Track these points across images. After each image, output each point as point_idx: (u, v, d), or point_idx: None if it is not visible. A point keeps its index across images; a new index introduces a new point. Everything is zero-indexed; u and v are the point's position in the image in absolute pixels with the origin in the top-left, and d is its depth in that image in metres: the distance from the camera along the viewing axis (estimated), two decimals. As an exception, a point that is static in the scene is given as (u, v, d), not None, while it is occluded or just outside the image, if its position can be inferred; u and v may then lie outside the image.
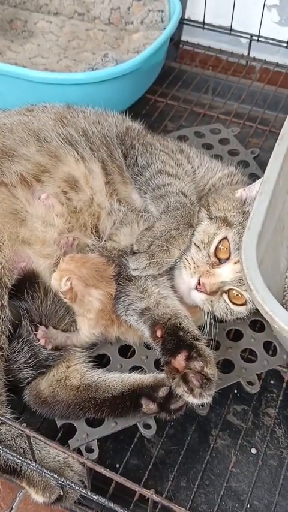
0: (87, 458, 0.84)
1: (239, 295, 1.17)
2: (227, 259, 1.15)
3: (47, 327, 1.12)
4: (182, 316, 1.09)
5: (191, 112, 1.92)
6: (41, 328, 1.11)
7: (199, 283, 1.14)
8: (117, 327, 1.18)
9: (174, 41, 2.18)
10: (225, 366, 1.20)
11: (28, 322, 1.11)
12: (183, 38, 2.25)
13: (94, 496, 0.91)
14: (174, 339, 1.05)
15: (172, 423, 1.16)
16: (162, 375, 1.10)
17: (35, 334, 1.10)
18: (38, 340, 1.10)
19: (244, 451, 1.16)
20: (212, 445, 1.15)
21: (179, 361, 1.02)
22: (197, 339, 1.05)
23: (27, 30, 2.06)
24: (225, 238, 1.16)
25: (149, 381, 1.10)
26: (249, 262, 0.99)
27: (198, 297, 1.16)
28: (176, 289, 1.18)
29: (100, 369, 1.17)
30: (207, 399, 1.01)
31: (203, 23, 2.16)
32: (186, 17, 2.20)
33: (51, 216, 1.22)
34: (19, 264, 1.18)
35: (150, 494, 0.78)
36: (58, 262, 1.16)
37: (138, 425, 1.10)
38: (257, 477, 1.10)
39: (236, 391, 1.22)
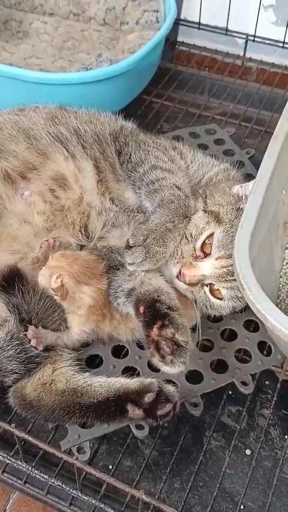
0: (77, 459, 0.83)
1: (218, 290, 1.18)
2: (209, 254, 1.17)
3: (36, 327, 1.11)
4: (162, 291, 1.10)
5: (186, 113, 1.91)
6: (31, 328, 1.09)
7: (180, 273, 1.16)
8: (109, 322, 1.17)
9: (170, 41, 2.17)
10: (220, 367, 1.20)
11: (17, 318, 1.10)
12: (179, 38, 2.24)
13: (85, 497, 0.90)
14: (151, 310, 1.06)
15: (166, 424, 1.15)
16: (148, 380, 1.09)
17: (25, 335, 1.08)
18: (29, 341, 1.08)
19: (238, 452, 1.15)
20: (205, 446, 1.13)
21: (154, 331, 1.03)
22: (172, 309, 1.06)
23: (22, 30, 2.06)
24: (212, 234, 1.17)
25: (135, 386, 1.09)
26: (241, 260, 0.99)
27: (179, 285, 1.18)
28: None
29: (87, 373, 1.15)
30: (179, 367, 1.00)
31: (199, 23, 2.16)
32: (181, 17, 2.19)
33: (30, 214, 1.22)
34: None
35: (140, 494, 0.77)
36: (33, 261, 1.17)
37: (131, 426, 1.09)
38: (251, 478, 1.09)
39: (230, 392, 1.21)
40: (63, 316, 1.16)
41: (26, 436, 0.84)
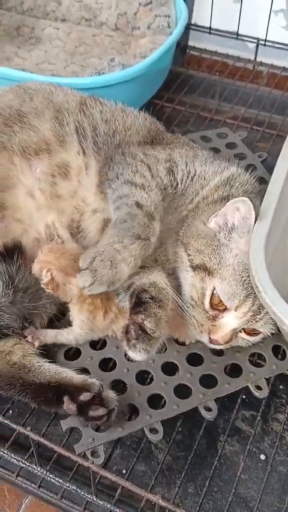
0: (93, 462, 0.83)
1: (254, 329, 1.13)
2: (226, 309, 1.10)
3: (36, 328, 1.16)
4: (156, 285, 1.09)
5: (197, 117, 1.92)
6: (30, 328, 1.16)
7: (211, 340, 1.11)
8: (104, 314, 1.17)
9: (181, 46, 2.18)
10: (233, 371, 1.19)
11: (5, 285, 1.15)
12: (190, 43, 2.25)
13: (100, 502, 0.89)
14: (137, 299, 1.06)
15: (180, 429, 1.15)
16: (92, 380, 1.09)
17: (23, 332, 1.14)
18: (25, 337, 1.14)
19: (253, 457, 1.14)
20: (220, 451, 1.13)
21: (130, 318, 1.05)
22: (154, 300, 1.06)
23: (34, 36, 2.07)
24: (214, 289, 1.10)
25: (77, 381, 1.09)
26: (257, 264, 0.98)
27: (217, 347, 1.14)
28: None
29: (44, 359, 1.17)
30: (140, 353, 1.00)
31: (210, 28, 2.16)
32: (192, 22, 2.20)
33: (36, 189, 1.26)
34: None
35: (157, 499, 0.76)
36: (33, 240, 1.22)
37: (145, 429, 1.09)
38: (266, 483, 1.08)
39: (244, 396, 1.20)
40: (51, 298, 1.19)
41: (42, 440, 0.84)
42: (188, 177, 1.22)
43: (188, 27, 2.16)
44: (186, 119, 1.91)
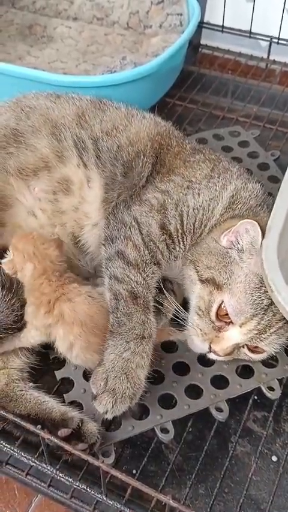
0: (103, 462, 0.82)
1: (257, 347, 1.12)
2: (231, 323, 1.08)
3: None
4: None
5: (210, 115, 1.90)
6: None
7: (211, 349, 1.10)
8: (46, 312, 1.11)
9: (193, 44, 2.17)
10: (245, 372, 1.18)
11: None
12: (202, 41, 2.24)
13: (110, 501, 0.88)
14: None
15: (190, 429, 1.14)
16: (72, 414, 1.06)
17: None
18: None
19: (264, 459, 1.12)
20: (231, 452, 1.11)
21: None
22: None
23: (46, 35, 2.08)
24: (222, 302, 1.09)
25: (57, 415, 1.06)
26: (270, 263, 0.97)
27: (216, 359, 1.13)
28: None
29: (30, 383, 1.16)
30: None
31: (222, 26, 2.15)
32: (205, 20, 2.18)
33: (36, 208, 1.25)
34: None
35: (168, 499, 0.76)
36: None
37: (156, 429, 1.08)
38: (278, 485, 1.07)
39: (256, 397, 1.19)
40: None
41: (52, 438, 0.83)
42: (181, 222, 1.17)
43: (201, 25, 2.15)
44: (198, 117, 1.90)
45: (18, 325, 1.13)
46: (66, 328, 1.09)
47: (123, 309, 1.07)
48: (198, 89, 2.02)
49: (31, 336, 1.15)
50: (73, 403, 1.13)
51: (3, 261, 1.14)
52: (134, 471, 1.09)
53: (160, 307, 1.17)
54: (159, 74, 1.69)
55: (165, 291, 1.18)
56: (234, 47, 2.19)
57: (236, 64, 2.16)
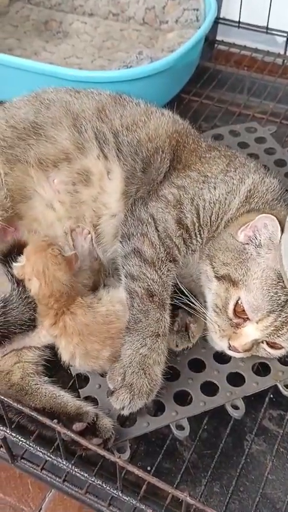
0: (119, 457, 0.82)
1: (276, 343, 1.11)
2: (249, 319, 1.08)
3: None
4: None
5: (226, 111, 1.89)
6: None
7: (230, 346, 1.10)
8: (52, 324, 1.12)
9: (209, 40, 2.15)
10: (262, 369, 1.17)
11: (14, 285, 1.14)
12: (218, 37, 2.22)
13: (125, 498, 0.88)
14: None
15: (205, 426, 1.13)
16: (87, 409, 1.06)
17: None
18: None
19: (280, 458, 1.11)
20: (247, 450, 1.11)
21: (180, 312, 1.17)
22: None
23: (62, 31, 2.08)
24: (239, 299, 1.08)
25: (72, 409, 1.06)
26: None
27: (235, 355, 1.12)
28: None
29: (46, 377, 1.16)
30: (172, 343, 1.15)
31: (239, 22, 2.13)
32: (221, 16, 2.17)
33: (55, 200, 1.25)
34: (8, 230, 1.22)
35: (185, 496, 0.75)
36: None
37: (171, 426, 1.07)
38: (294, 485, 1.06)
39: (272, 396, 1.17)
40: None
41: (69, 433, 0.83)
42: (197, 215, 1.17)
43: (217, 21, 2.13)
44: (214, 114, 1.88)
45: (33, 323, 1.13)
46: (67, 339, 1.10)
47: (139, 306, 1.07)
48: (214, 85, 2.01)
49: (43, 335, 1.15)
50: (88, 399, 1.12)
51: (15, 264, 1.13)
52: (149, 468, 1.09)
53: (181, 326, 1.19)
54: (175, 70, 1.68)
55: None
56: (251, 43, 2.17)
57: (252, 60, 2.14)
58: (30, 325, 1.12)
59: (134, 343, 1.04)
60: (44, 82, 1.60)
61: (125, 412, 1.02)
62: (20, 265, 1.12)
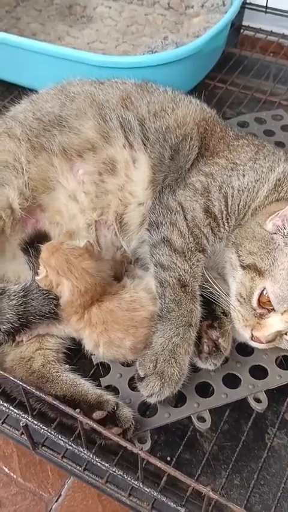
0: (141, 449, 0.81)
1: None
2: (273, 309, 1.06)
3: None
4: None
5: (251, 98, 1.86)
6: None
7: (253, 336, 1.08)
8: (78, 319, 1.11)
9: (235, 26, 2.10)
10: (285, 363, 1.14)
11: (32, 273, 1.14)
12: (244, 22, 2.17)
13: (146, 489, 0.87)
14: (207, 308, 1.12)
15: (226, 418, 1.12)
16: (107, 397, 1.06)
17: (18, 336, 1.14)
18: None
19: (302, 452, 1.10)
20: (268, 444, 1.09)
21: (202, 326, 1.10)
22: (225, 315, 1.13)
23: (86, 15, 2.06)
24: (264, 289, 1.06)
25: (92, 398, 1.07)
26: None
27: (258, 346, 1.10)
28: None
29: (66, 365, 1.16)
30: (210, 365, 1.09)
31: (266, 6, 2.07)
32: (248, 0, 2.11)
33: (79, 192, 1.23)
34: (29, 220, 1.22)
35: (207, 491, 0.74)
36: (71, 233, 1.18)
37: (193, 417, 1.06)
38: None
39: (295, 389, 1.16)
40: None
41: (91, 423, 0.83)
42: (225, 203, 1.15)
43: (243, 5, 2.09)
44: (239, 101, 1.85)
45: (53, 316, 1.13)
46: (91, 328, 1.10)
47: (171, 295, 1.07)
48: (240, 72, 1.96)
49: (68, 331, 1.16)
50: (108, 388, 1.12)
51: (37, 278, 1.11)
52: (168, 458, 1.08)
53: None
54: (201, 55, 1.65)
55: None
56: (278, 28, 2.11)
57: (279, 46, 2.09)
58: (50, 317, 1.12)
59: (167, 331, 1.05)
60: (68, 67, 1.59)
61: (152, 400, 1.03)
62: (43, 276, 1.10)
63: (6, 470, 1.21)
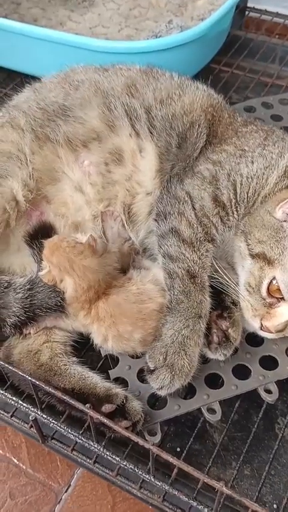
0: (153, 444, 0.80)
1: None
2: (283, 299, 1.05)
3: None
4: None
5: (257, 82, 1.82)
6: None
7: (262, 326, 1.07)
8: (86, 314, 1.10)
9: (240, 7, 2.06)
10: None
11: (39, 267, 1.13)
12: (249, 4, 2.13)
13: (158, 483, 0.87)
14: (216, 298, 1.10)
15: (236, 409, 1.11)
16: (117, 391, 1.05)
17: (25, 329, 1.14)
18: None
19: (313, 443, 1.10)
20: (279, 434, 1.09)
21: (212, 316, 1.08)
22: (235, 304, 1.11)
23: (88, -1, 2.01)
24: (274, 278, 1.05)
25: (101, 391, 1.06)
26: None
27: (267, 336, 1.09)
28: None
29: (74, 358, 1.15)
30: (220, 357, 1.08)
31: (271, -13, 2.04)
32: (253, -19, 2.07)
33: (85, 183, 1.22)
34: (34, 212, 1.21)
35: (220, 486, 0.73)
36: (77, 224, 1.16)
37: (203, 409, 1.06)
38: None
39: (305, 380, 1.15)
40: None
41: (101, 418, 0.82)
42: (234, 191, 1.13)
43: (248, -14, 2.04)
44: (246, 85, 1.81)
45: (60, 308, 1.11)
46: (100, 322, 1.09)
47: (180, 287, 1.06)
48: (245, 55, 1.93)
49: (75, 326, 1.15)
50: (117, 380, 1.11)
51: (40, 273, 1.10)
52: (178, 449, 1.08)
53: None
54: (206, 39, 1.62)
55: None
56: (283, 9, 2.07)
57: (285, 28, 2.05)
58: (57, 310, 1.11)
59: (176, 323, 1.03)
60: (71, 53, 1.57)
61: (163, 393, 1.02)
62: (46, 272, 1.09)
63: (16, 461, 1.21)
